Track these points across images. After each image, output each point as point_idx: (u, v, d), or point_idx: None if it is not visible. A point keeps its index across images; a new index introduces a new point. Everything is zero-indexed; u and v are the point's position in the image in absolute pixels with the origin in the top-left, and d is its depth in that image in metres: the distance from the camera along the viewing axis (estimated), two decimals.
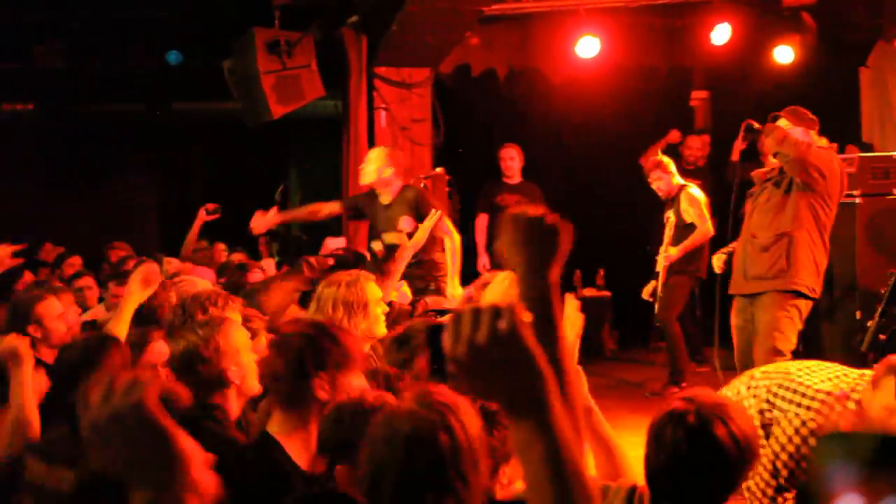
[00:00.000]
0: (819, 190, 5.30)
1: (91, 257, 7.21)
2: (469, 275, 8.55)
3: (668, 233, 7.51)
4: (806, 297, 5.31)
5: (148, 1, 8.33)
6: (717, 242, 8.31)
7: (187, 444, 1.30)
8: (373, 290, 3.92)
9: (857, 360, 7.09)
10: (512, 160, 8.44)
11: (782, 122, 5.41)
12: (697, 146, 8.87)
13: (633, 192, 9.00)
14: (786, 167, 5.33)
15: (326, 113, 8.63)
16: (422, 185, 7.35)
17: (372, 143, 7.95)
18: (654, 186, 7.58)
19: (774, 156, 5.42)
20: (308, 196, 10.93)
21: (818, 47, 8.12)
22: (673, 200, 7.51)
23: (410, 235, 5.99)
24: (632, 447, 5.94)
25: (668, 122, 9.40)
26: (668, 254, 7.40)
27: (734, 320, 5.63)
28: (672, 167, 7.54)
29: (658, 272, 7.53)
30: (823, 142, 5.63)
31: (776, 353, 5.15)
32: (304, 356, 2.57)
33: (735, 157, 6.20)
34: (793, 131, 5.35)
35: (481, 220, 8.57)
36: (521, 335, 1.28)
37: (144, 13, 8.33)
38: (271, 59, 7.13)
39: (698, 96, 9.99)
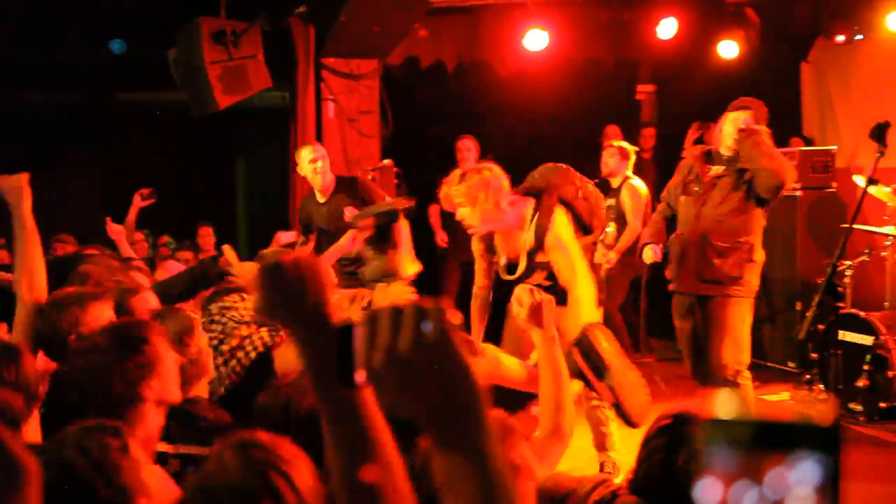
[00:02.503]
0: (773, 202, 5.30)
1: None
2: (422, 263, 8.58)
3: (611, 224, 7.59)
4: (752, 298, 5.33)
5: None
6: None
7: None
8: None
9: (798, 349, 7.29)
10: (469, 151, 8.46)
11: (744, 116, 5.31)
12: (615, 135, 9.01)
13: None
14: (758, 181, 5.15)
15: (274, 103, 8.55)
16: (370, 176, 7.34)
17: (320, 135, 7.91)
18: (602, 160, 7.58)
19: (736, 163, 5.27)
20: (255, 187, 10.85)
21: (761, 43, 8.25)
22: (616, 190, 7.58)
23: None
24: (578, 437, 6.02)
25: (614, 115, 9.50)
26: (608, 258, 7.41)
27: (679, 322, 5.54)
28: (631, 159, 7.59)
29: (597, 263, 7.60)
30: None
31: (738, 353, 5.17)
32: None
33: (688, 145, 6.19)
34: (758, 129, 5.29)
35: (434, 208, 8.58)
36: (450, 341, 1.05)
37: (88, 1, 8.18)
38: (217, 49, 7.05)
39: (644, 90, 10.10)
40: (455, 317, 1.06)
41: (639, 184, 7.58)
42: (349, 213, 6.19)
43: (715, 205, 5.28)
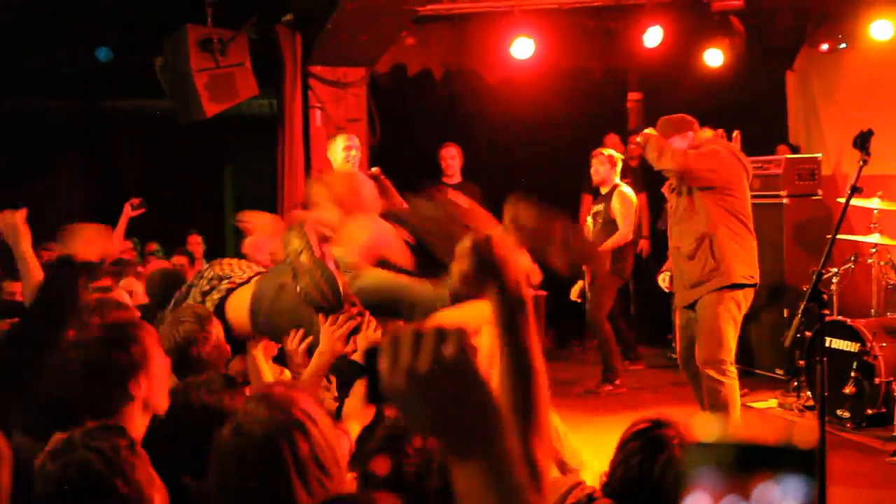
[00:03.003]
0: (718, 185, 5.39)
1: None
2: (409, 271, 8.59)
3: (595, 229, 7.63)
4: (743, 285, 5.42)
5: None
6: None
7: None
8: None
9: (784, 355, 7.31)
10: (452, 159, 8.47)
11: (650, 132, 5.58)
12: (613, 143, 9.07)
13: (570, 191, 9.11)
14: (675, 179, 5.52)
15: (262, 111, 8.55)
16: None
17: (307, 143, 7.90)
18: (592, 169, 7.72)
19: (661, 171, 5.59)
20: (243, 194, 10.82)
21: (747, 51, 8.29)
22: (605, 196, 7.60)
23: None
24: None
25: (602, 122, 9.53)
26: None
27: (677, 319, 5.77)
28: (618, 166, 7.71)
29: (584, 271, 7.62)
30: (707, 133, 5.70)
31: (719, 348, 5.30)
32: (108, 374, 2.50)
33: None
34: (671, 142, 5.48)
35: None
36: (469, 363, 1.10)
37: (74, 9, 8.15)
38: (204, 56, 7.04)
39: (632, 97, 10.13)
40: (474, 339, 1.13)
41: (629, 191, 7.65)
42: None
43: (673, 215, 5.61)
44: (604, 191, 7.73)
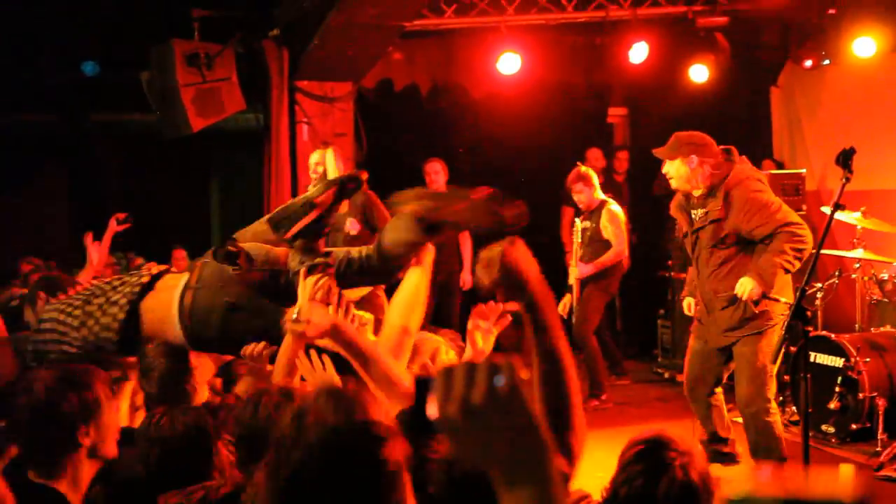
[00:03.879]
0: None
1: (2, 270, 7.05)
2: (396, 285, 8.58)
3: (578, 244, 7.62)
4: (777, 321, 5.16)
5: (64, 11, 8.13)
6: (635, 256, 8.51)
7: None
8: None
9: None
10: (437, 174, 8.49)
11: (671, 164, 5.30)
12: (596, 158, 9.12)
13: (554, 205, 9.13)
14: (712, 234, 5.23)
15: (248, 126, 8.54)
16: None
17: (294, 158, 7.90)
18: (575, 198, 7.69)
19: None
20: (229, 209, 10.80)
21: (731, 67, 8.33)
22: (592, 213, 7.61)
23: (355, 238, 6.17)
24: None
25: (587, 137, 9.57)
26: (580, 268, 7.49)
27: (693, 344, 5.54)
28: (595, 181, 7.65)
29: (571, 285, 7.62)
30: (735, 158, 5.41)
31: (763, 387, 5.16)
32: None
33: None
34: (672, 167, 5.28)
35: None
36: (521, 395, 1.14)
37: (61, 23, 8.14)
38: (191, 71, 7.04)
39: (617, 113, 10.18)
40: (525, 372, 1.15)
41: (617, 208, 7.64)
42: (349, 224, 6.39)
43: (707, 261, 5.30)
44: (588, 210, 7.68)
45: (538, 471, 1.14)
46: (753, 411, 5.17)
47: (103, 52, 8.33)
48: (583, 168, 7.71)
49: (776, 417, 5.21)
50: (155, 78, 7.39)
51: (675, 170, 5.32)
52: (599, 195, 7.65)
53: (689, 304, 5.75)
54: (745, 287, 5.01)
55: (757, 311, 5.11)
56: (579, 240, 7.72)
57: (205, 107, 7.14)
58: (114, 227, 6.84)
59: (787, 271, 5.04)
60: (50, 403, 2.44)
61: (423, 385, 1.19)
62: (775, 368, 4.81)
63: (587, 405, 7.52)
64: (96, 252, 5.84)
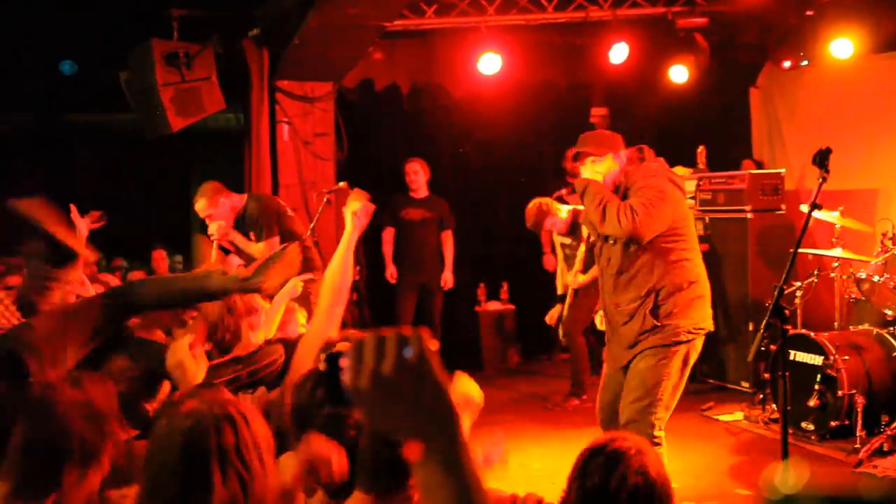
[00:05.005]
0: (665, 232, 4.55)
1: None
2: (378, 286, 8.59)
3: (563, 259, 7.57)
4: (690, 340, 4.59)
5: (41, 9, 8.07)
6: None
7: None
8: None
9: (750, 369, 7.38)
10: (416, 174, 8.49)
11: (588, 166, 4.66)
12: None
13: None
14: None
15: (229, 126, 8.51)
16: (325, 199, 7.31)
17: (274, 157, 7.88)
18: (549, 224, 7.44)
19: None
20: None
21: (711, 68, 8.38)
22: (572, 230, 7.41)
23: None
24: (535, 458, 6.01)
25: (568, 138, 9.57)
26: (577, 280, 7.36)
27: (604, 368, 4.93)
28: (559, 208, 7.45)
29: (562, 295, 7.58)
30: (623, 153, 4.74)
31: (650, 407, 4.51)
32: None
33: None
34: (604, 166, 4.63)
35: (388, 234, 8.63)
36: (429, 365, 1.18)
37: (38, 22, 8.07)
38: (170, 70, 7.00)
39: (598, 113, 10.19)
40: (433, 343, 1.19)
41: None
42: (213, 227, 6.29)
43: (606, 267, 4.78)
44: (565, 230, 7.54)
45: (447, 437, 1.18)
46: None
47: (81, 52, 8.27)
48: (543, 202, 7.42)
49: (661, 450, 4.37)
50: (134, 77, 7.34)
51: (605, 168, 4.65)
52: (564, 213, 7.40)
53: (600, 318, 5.17)
54: (584, 180, 4.56)
55: (659, 324, 4.52)
56: (562, 256, 7.64)
57: (184, 106, 7.10)
58: (88, 225, 6.80)
59: (598, 213, 4.45)
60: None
61: (334, 358, 1.23)
62: (750, 356, 4.35)
63: (567, 404, 7.53)
64: (84, 224, 5.77)
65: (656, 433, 4.47)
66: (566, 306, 7.51)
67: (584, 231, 7.42)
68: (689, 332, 4.55)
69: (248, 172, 7.83)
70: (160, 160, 9.51)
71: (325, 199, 7.30)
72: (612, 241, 4.66)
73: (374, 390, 1.16)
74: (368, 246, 8.60)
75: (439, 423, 1.18)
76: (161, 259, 8.13)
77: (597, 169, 4.68)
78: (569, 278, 7.46)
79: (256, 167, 7.74)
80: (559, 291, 7.69)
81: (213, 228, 6.29)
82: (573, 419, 7.04)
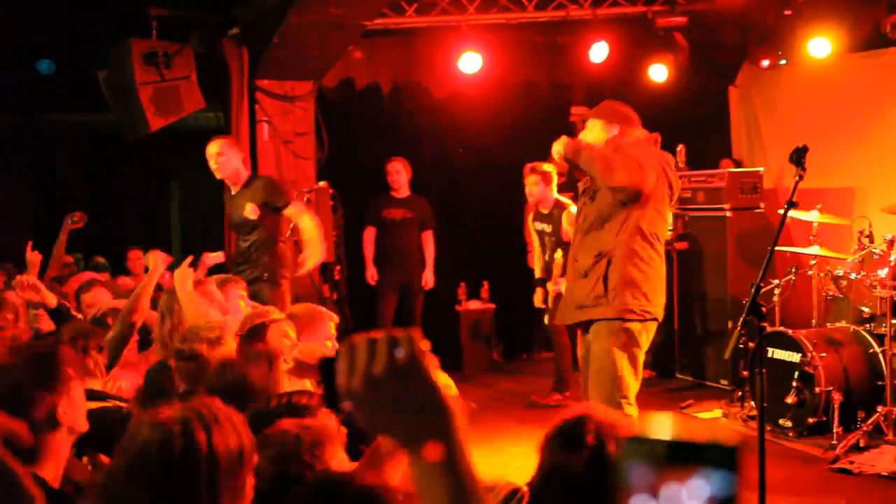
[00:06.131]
0: (640, 201, 4.61)
1: None
2: (359, 286, 8.59)
3: (546, 251, 7.56)
4: (638, 321, 4.64)
5: (19, 8, 8.02)
6: None
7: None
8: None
9: (729, 366, 7.43)
10: (398, 174, 8.49)
11: (590, 124, 4.85)
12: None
13: (517, 202, 9.17)
14: (591, 180, 4.82)
15: (209, 125, 8.48)
16: (305, 199, 7.31)
17: (254, 156, 7.86)
18: (527, 190, 7.46)
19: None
20: (189, 208, 10.72)
21: (690, 67, 8.43)
22: (547, 215, 7.49)
23: (255, 224, 6.26)
24: (516, 457, 6.04)
25: (549, 136, 9.59)
26: (558, 287, 7.12)
27: (579, 350, 5.03)
28: (554, 181, 7.49)
29: (541, 279, 7.61)
30: (641, 133, 4.89)
31: (613, 387, 4.60)
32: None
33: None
34: (591, 132, 4.82)
35: (369, 234, 8.63)
36: (422, 366, 1.18)
37: (15, 20, 8.02)
38: (149, 70, 6.97)
39: (578, 111, 10.22)
40: (425, 343, 1.18)
41: (574, 208, 7.46)
42: (249, 210, 6.25)
43: (580, 223, 4.91)
44: (545, 209, 7.49)
45: (441, 437, 1.18)
46: None
47: (59, 51, 8.23)
48: (545, 165, 7.52)
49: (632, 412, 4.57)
50: (112, 77, 7.31)
51: (592, 135, 4.82)
52: (555, 195, 7.48)
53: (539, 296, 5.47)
54: (559, 144, 4.65)
55: (606, 295, 4.59)
56: (537, 240, 7.67)
57: (163, 106, 7.08)
58: (68, 225, 6.77)
59: (591, 163, 4.56)
60: (19, 384, 2.45)
61: (329, 363, 1.24)
62: (727, 354, 4.40)
63: (550, 398, 7.55)
64: (35, 258, 5.76)
65: (627, 412, 4.54)
66: (551, 296, 7.48)
67: (534, 229, 7.50)
68: (638, 313, 4.62)
69: None
70: (140, 159, 9.47)
71: (305, 199, 7.31)
72: (587, 200, 4.77)
73: (367, 391, 1.17)
74: (350, 246, 8.61)
75: (432, 422, 1.18)
76: (137, 259, 8.07)
77: (584, 133, 4.89)
78: (550, 286, 7.43)
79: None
80: (537, 275, 7.69)
81: (249, 210, 6.26)
82: (555, 418, 7.06)
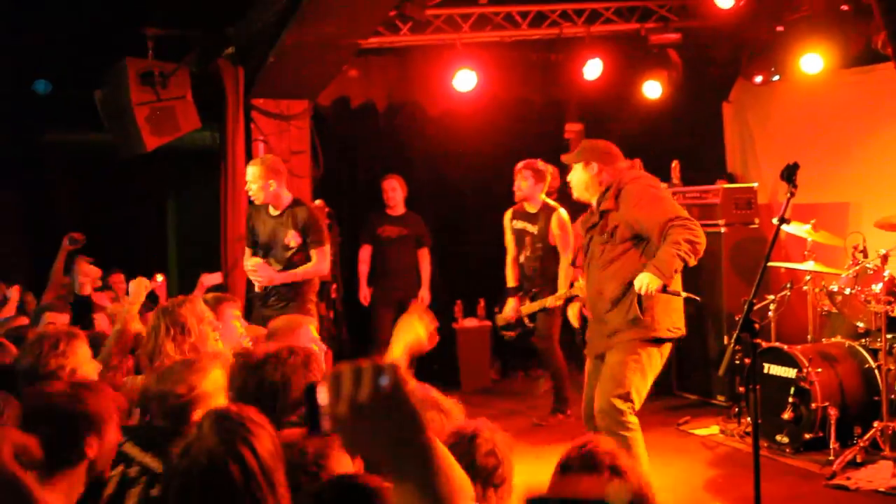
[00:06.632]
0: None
1: None
2: (356, 303, 8.59)
3: (526, 251, 7.47)
4: (665, 340, 4.96)
5: (15, 27, 8.04)
6: None
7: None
8: (193, 310, 4.08)
9: (725, 382, 7.43)
10: (394, 191, 8.51)
11: (573, 167, 5.14)
12: (553, 176, 9.14)
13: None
14: (605, 229, 5.01)
15: (205, 144, 8.49)
16: None
17: None
18: (515, 185, 7.44)
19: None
20: (186, 228, 10.71)
21: (684, 83, 8.46)
22: (534, 215, 7.47)
23: (295, 255, 6.26)
24: (514, 475, 5.97)
25: (544, 153, 9.63)
26: (558, 297, 7.28)
27: (589, 379, 5.15)
28: (547, 181, 7.46)
29: (514, 287, 7.58)
30: (621, 164, 5.15)
31: (619, 398, 4.78)
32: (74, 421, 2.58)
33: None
34: (574, 175, 5.12)
35: (364, 252, 8.64)
36: (403, 393, 1.25)
37: (12, 40, 8.04)
38: (145, 90, 6.99)
39: (572, 128, 10.26)
40: (408, 373, 1.28)
41: (565, 213, 7.37)
42: (290, 237, 6.29)
43: (597, 259, 5.08)
44: (531, 209, 7.44)
45: (422, 460, 1.24)
46: (604, 424, 4.76)
47: (56, 71, 8.24)
48: (540, 163, 7.47)
49: (633, 435, 4.76)
50: (108, 96, 7.34)
51: (576, 177, 5.13)
52: (543, 196, 7.46)
53: (574, 312, 5.76)
54: (643, 281, 4.73)
55: (642, 317, 4.84)
56: (512, 239, 7.55)
57: (159, 125, 7.09)
58: (66, 247, 6.78)
59: (685, 263, 4.74)
60: (63, 410, 2.53)
61: (312, 389, 1.30)
62: (721, 370, 4.50)
63: (553, 419, 7.53)
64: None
65: (629, 419, 4.77)
66: (527, 307, 7.45)
67: (509, 227, 7.51)
68: (668, 330, 4.92)
69: (224, 191, 7.81)
70: (136, 179, 9.47)
71: None
72: (605, 238, 4.99)
73: (351, 418, 1.23)
74: (346, 263, 8.61)
75: (413, 448, 1.25)
76: (119, 283, 8.03)
77: (570, 178, 5.19)
78: (549, 301, 7.37)
79: (233, 185, 7.73)
80: (510, 283, 7.64)
81: (291, 237, 6.28)
82: (552, 435, 7.05)
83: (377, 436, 1.24)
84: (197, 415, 2.99)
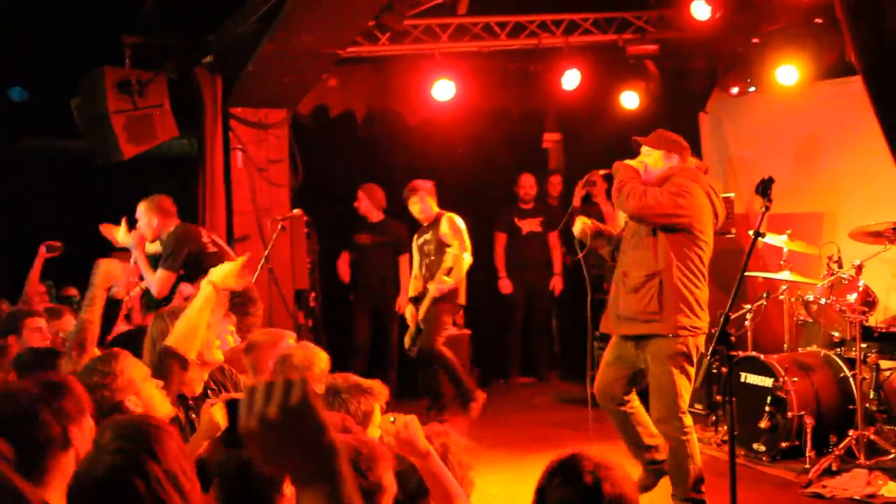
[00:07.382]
0: (682, 226, 5.01)
1: None
2: (335, 312, 8.58)
3: (427, 259, 7.64)
4: (691, 336, 5.05)
5: None
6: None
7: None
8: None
9: (703, 391, 7.46)
10: (359, 202, 8.56)
11: (648, 151, 5.27)
12: (530, 184, 9.24)
13: (488, 230, 9.22)
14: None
15: (183, 152, 8.46)
16: (280, 226, 7.31)
17: (228, 184, 7.86)
18: (413, 208, 7.75)
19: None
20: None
21: (661, 94, 8.52)
22: (428, 227, 7.69)
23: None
24: (492, 484, 6.01)
25: (522, 162, 9.67)
26: (442, 281, 7.48)
27: (607, 355, 5.38)
28: (433, 194, 7.73)
29: (416, 297, 7.68)
30: (692, 161, 5.44)
31: (674, 405, 5.00)
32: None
33: (576, 202, 6.07)
34: (651, 158, 5.24)
35: (343, 260, 8.67)
36: (311, 408, 1.32)
37: None
38: (122, 98, 6.97)
39: (551, 138, 10.31)
40: (318, 388, 1.33)
41: (458, 220, 7.65)
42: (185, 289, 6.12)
43: (628, 239, 5.29)
44: (426, 223, 7.74)
45: (328, 472, 1.32)
46: (664, 430, 5.08)
47: (32, 78, 8.19)
48: (417, 182, 7.77)
49: (690, 437, 5.03)
50: (85, 104, 7.30)
51: (651, 161, 5.25)
52: (436, 208, 7.72)
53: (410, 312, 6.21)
54: (617, 165, 5.15)
55: (660, 313, 4.97)
56: (417, 256, 7.76)
57: (137, 134, 7.07)
58: (43, 254, 6.73)
59: (630, 197, 4.96)
60: (34, 406, 2.52)
61: (233, 404, 1.46)
62: (698, 382, 4.66)
63: (470, 414, 7.53)
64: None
65: (685, 423, 5.01)
66: (422, 311, 7.50)
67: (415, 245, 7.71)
68: (689, 329, 5.00)
69: (202, 199, 7.79)
70: (114, 186, 9.41)
71: (279, 226, 7.30)
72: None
73: (261, 431, 1.31)
74: (324, 272, 8.60)
75: (320, 461, 1.32)
76: (73, 294, 7.96)
77: (642, 158, 5.28)
78: (430, 286, 7.50)
79: (210, 194, 7.71)
80: (411, 294, 7.79)
81: (126, 236, 6.32)
82: (530, 445, 7.06)
83: (285, 448, 1.31)
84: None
